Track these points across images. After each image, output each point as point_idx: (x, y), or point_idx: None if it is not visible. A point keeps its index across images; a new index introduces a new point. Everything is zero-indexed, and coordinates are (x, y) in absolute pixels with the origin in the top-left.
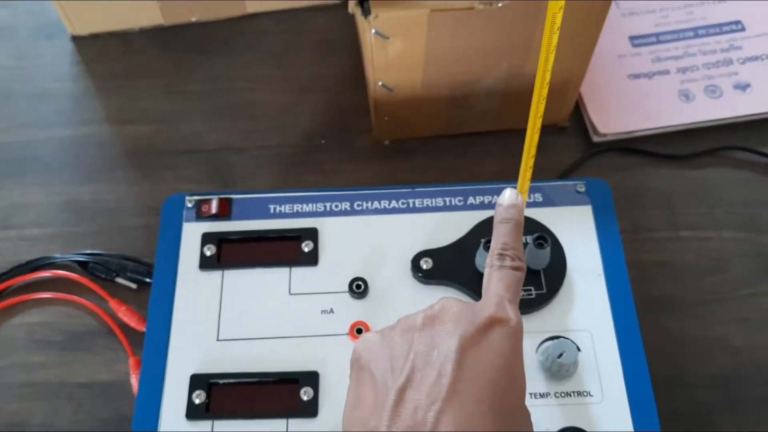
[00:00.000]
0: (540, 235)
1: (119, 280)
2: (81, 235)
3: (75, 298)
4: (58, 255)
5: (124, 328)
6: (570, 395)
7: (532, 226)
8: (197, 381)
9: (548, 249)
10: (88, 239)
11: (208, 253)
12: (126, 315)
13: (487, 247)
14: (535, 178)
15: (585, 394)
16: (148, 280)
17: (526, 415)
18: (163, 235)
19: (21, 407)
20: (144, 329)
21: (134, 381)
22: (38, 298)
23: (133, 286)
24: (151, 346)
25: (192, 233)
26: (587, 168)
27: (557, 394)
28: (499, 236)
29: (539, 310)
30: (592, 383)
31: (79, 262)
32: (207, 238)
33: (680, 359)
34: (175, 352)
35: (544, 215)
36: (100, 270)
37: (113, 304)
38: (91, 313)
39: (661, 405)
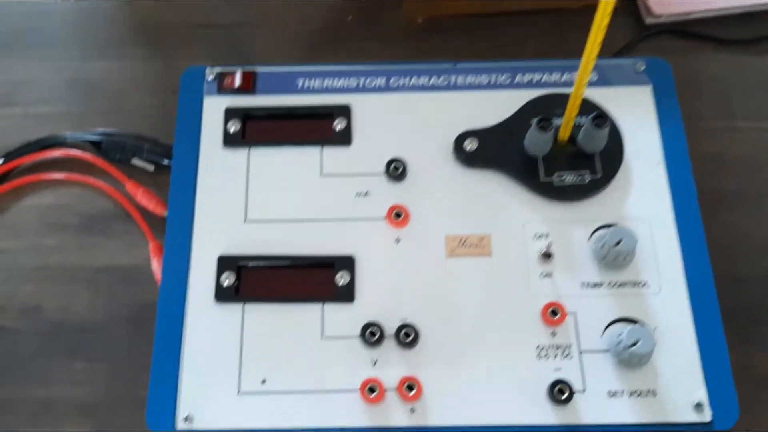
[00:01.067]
0: (599, 113)
1: (135, 161)
2: (91, 114)
3: (89, 179)
4: (69, 134)
5: (142, 211)
6: (625, 285)
7: (587, 106)
8: (225, 263)
9: (606, 130)
10: (98, 119)
11: (232, 130)
12: (144, 198)
13: (540, 126)
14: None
15: (641, 284)
16: (165, 162)
17: None
18: (182, 110)
19: (36, 291)
20: (163, 213)
21: (155, 266)
22: (50, 180)
23: (150, 168)
24: (175, 228)
25: (214, 108)
26: (639, 52)
27: (611, 284)
28: None
29: (593, 197)
30: (649, 274)
31: (92, 142)
32: (231, 114)
33: (736, 255)
34: (200, 233)
35: (599, 95)
36: (114, 150)
37: (130, 186)
38: (106, 195)
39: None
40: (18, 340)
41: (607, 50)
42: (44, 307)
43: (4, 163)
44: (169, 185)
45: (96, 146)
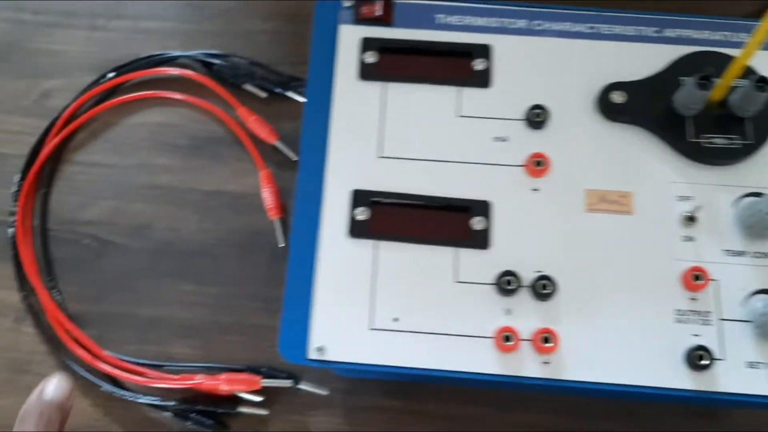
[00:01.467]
0: (763, 77)
1: (247, 86)
2: (201, 34)
3: (201, 101)
4: (180, 52)
5: (253, 138)
6: None
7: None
8: (360, 197)
9: (766, 93)
10: (208, 39)
11: (369, 61)
12: (256, 125)
13: (701, 84)
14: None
15: None
16: (278, 90)
17: None
18: (317, 38)
19: (146, 209)
20: (274, 141)
21: (266, 194)
22: (161, 97)
23: (263, 94)
24: (308, 159)
25: (350, 37)
26: None
27: (756, 254)
28: None
29: (741, 162)
30: None
31: (204, 63)
32: (368, 44)
33: None
34: (333, 166)
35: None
36: (226, 73)
37: (242, 112)
38: (216, 119)
39: None
40: (127, 257)
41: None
42: (154, 227)
43: (116, 77)
44: (281, 115)
45: (207, 67)
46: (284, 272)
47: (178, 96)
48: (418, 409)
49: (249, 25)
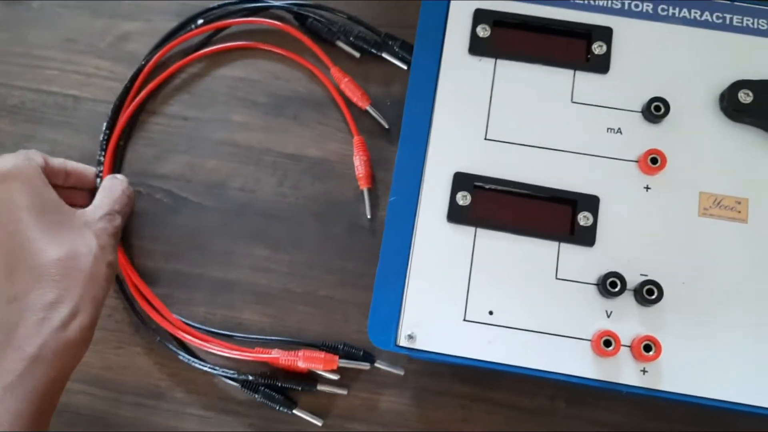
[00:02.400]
0: None
1: (340, 44)
2: None
3: (292, 54)
4: (273, 1)
5: (346, 101)
6: None
7: None
8: (462, 180)
9: None
10: None
11: (481, 34)
12: (348, 87)
13: None
14: None
15: None
16: (374, 51)
17: (37, 278)
18: (426, 6)
19: (221, 165)
20: (365, 106)
21: (358, 163)
22: (246, 47)
23: (357, 54)
24: (409, 135)
25: (462, 8)
26: None
27: None
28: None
29: None
30: None
31: (296, 15)
32: (480, 16)
33: None
34: (436, 145)
35: None
36: (320, 28)
37: (335, 72)
38: (305, 76)
39: None
40: (200, 215)
41: None
42: (229, 184)
43: (203, 24)
44: (374, 76)
45: (300, 20)
46: (361, 245)
47: (265, 47)
48: (489, 397)
49: None
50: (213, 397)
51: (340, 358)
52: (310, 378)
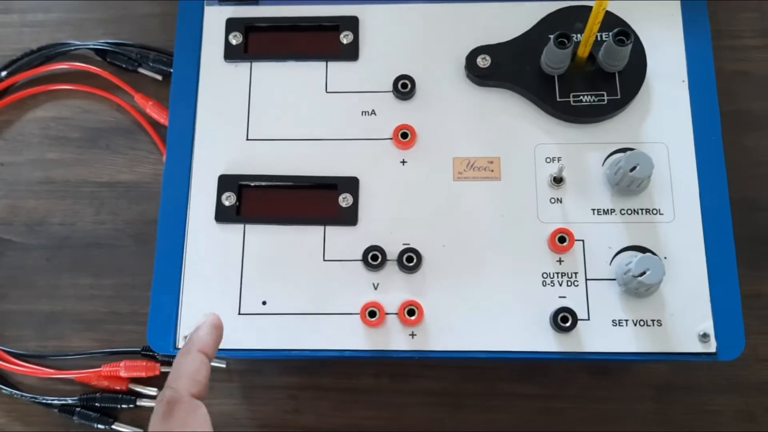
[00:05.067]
0: (622, 29)
1: (142, 70)
2: (91, 22)
3: (96, 90)
4: (72, 42)
5: (153, 124)
6: (637, 213)
7: (610, 21)
8: (226, 182)
9: (629, 47)
10: (99, 28)
11: (233, 42)
12: (154, 110)
13: (559, 42)
14: None
15: (654, 212)
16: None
17: None
18: (182, 21)
19: (40, 204)
20: None
21: None
22: (54, 90)
23: (158, 77)
24: (175, 144)
25: (215, 18)
26: None
27: (623, 211)
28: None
29: (610, 118)
30: (663, 201)
31: (96, 51)
32: (232, 25)
33: (756, 181)
34: (200, 151)
35: (622, 8)
36: (120, 60)
37: (139, 98)
38: (112, 108)
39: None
40: (24, 254)
41: None
42: (49, 221)
43: (8, 76)
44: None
45: (101, 55)
46: None
47: (74, 87)
48: (316, 384)
49: (139, 9)
50: (37, 425)
51: (162, 364)
52: (131, 394)
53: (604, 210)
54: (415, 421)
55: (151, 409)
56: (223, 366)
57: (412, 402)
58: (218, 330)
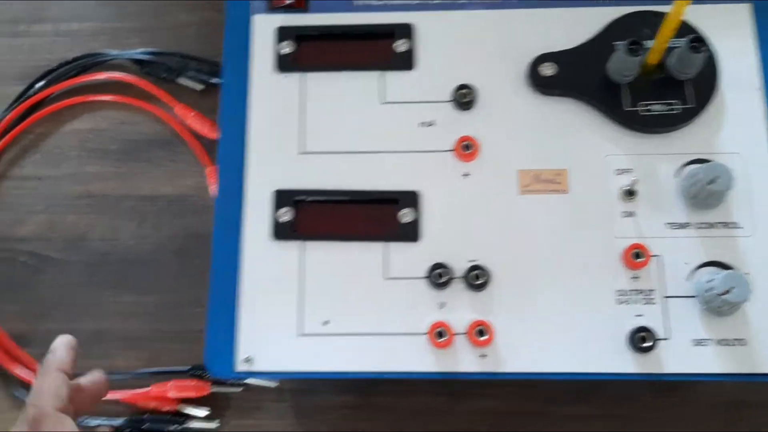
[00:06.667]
0: (696, 36)
1: (182, 80)
2: (126, 32)
3: (135, 100)
4: (110, 51)
5: (194, 135)
6: (714, 226)
7: (680, 27)
8: (282, 197)
9: (703, 54)
10: (134, 37)
11: (284, 52)
12: (195, 121)
13: (630, 49)
14: None
15: (732, 225)
16: (213, 80)
17: None
18: (230, 31)
19: (80, 219)
20: (215, 136)
21: (214, 191)
22: (92, 102)
23: (198, 87)
24: (227, 160)
25: (264, 28)
26: None
27: (700, 225)
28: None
29: (682, 129)
30: (741, 214)
31: (134, 61)
32: (283, 33)
33: None
34: (254, 166)
35: (691, 14)
36: (159, 69)
37: (180, 109)
38: (151, 120)
39: None
40: (65, 271)
41: None
42: (90, 236)
43: (44, 87)
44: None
45: (138, 65)
46: None
47: (108, 98)
48: (370, 404)
49: (174, 18)
50: None
51: (212, 383)
52: (179, 415)
53: (679, 224)
54: None
55: (202, 430)
56: (274, 386)
57: (469, 421)
58: (74, 350)
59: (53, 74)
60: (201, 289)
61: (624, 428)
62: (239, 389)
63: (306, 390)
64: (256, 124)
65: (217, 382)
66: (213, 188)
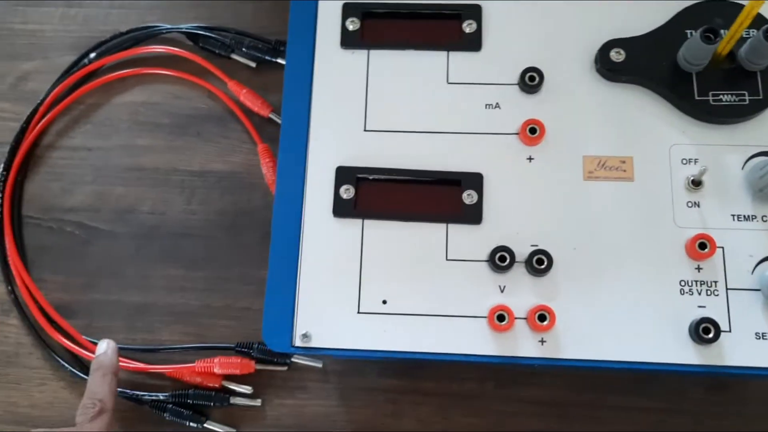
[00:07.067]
0: None
1: (235, 56)
2: (181, 6)
3: (188, 75)
4: (163, 25)
5: (246, 112)
6: None
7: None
8: (344, 174)
9: None
10: (189, 12)
11: (350, 28)
12: (248, 98)
13: (706, 37)
14: None
15: None
16: (268, 57)
17: None
18: (296, 6)
19: (129, 191)
20: (267, 114)
21: (266, 170)
22: (145, 74)
23: (252, 64)
24: (289, 135)
25: (330, 4)
26: None
27: (765, 218)
28: (88, 386)
29: (751, 120)
30: None
31: (188, 35)
32: (349, 10)
33: None
34: (316, 142)
35: (766, 4)
36: (213, 45)
37: (232, 85)
38: (202, 95)
39: None
40: (112, 243)
41: None
42: (139, 208)
43: (96, 58)
44: (273, 84)
45: (192, 39)
46: None
47: (161, 71)
48: (417, 388)
49: None
50: (126, 420)
51: (257, 361)
52: (224, 392)
53: (744, 216)
54: (518, 430)
55: (245, 407)
56: (320, 366)
57: (516, 410)
58: (117, 353)
59: (106, 45)
60: (248, 266)
61: (675, 422)
62: (284, 368)
63: (351, 371)
64: (319, 100)
65: (262, 361)
66: (265, 167)
